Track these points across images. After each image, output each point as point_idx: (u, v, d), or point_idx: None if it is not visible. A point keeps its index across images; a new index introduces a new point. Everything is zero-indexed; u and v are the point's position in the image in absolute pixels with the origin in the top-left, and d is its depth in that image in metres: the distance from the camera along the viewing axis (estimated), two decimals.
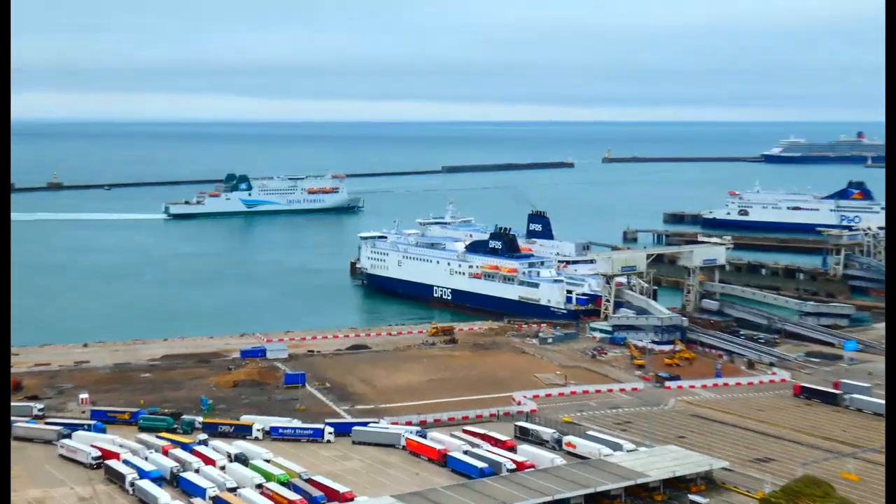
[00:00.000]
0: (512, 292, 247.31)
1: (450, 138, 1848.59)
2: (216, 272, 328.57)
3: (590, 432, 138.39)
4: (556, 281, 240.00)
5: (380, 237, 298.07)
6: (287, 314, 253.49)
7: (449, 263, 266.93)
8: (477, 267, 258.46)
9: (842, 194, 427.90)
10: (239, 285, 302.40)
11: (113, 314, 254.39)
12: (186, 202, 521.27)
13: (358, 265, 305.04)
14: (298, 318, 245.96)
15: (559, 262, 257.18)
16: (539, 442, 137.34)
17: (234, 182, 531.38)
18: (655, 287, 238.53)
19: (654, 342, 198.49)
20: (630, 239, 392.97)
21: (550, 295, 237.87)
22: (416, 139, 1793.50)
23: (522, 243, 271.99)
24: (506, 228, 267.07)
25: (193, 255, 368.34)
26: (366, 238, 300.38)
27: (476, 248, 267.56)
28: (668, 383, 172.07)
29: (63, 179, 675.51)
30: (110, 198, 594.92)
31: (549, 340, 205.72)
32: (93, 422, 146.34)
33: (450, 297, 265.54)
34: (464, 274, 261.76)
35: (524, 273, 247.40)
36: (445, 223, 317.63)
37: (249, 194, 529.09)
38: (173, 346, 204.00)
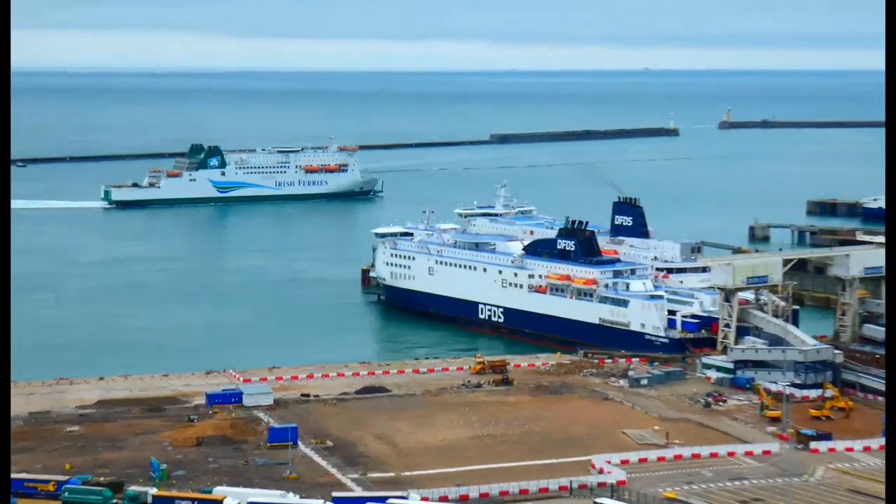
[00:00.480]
0: (590, 313, 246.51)
1: (502, 94, 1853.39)
2: (174, 284, 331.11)
3: None
4: (652, 297, 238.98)
5: (403, 234, 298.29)
6: (272, 343, 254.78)
7: (500, 272, 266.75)
8: (540, 277, 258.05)
9: None
10: (206, 303, 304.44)
11: (27, 343, 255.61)
12: (135, 185, 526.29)
13: (372, 273, 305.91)
14: (288, 348, 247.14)
15: (657, 270, 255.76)
16: None
17: (202, 156, 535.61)
18: (796, 307, 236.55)
19: (794, 385, 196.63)
20: (759, 238, 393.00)
21: (645, 317, 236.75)
22: (454, 96, 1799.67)
23: (604, 244, 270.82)
24: (581, 222, 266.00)
25: (142, 260, 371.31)
26: (384, 235, 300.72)
27: (539, 249, 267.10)
28: (814, 444, 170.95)
29: None
30: (25, 178, 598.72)
31: (644, 382, 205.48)
32: None
33: (502, 320, 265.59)
34: (521, 286, 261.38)
35: (607, 286, 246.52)
36: (495, 215, 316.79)
37: (222, 173, 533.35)
38: (112, 387, 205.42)
